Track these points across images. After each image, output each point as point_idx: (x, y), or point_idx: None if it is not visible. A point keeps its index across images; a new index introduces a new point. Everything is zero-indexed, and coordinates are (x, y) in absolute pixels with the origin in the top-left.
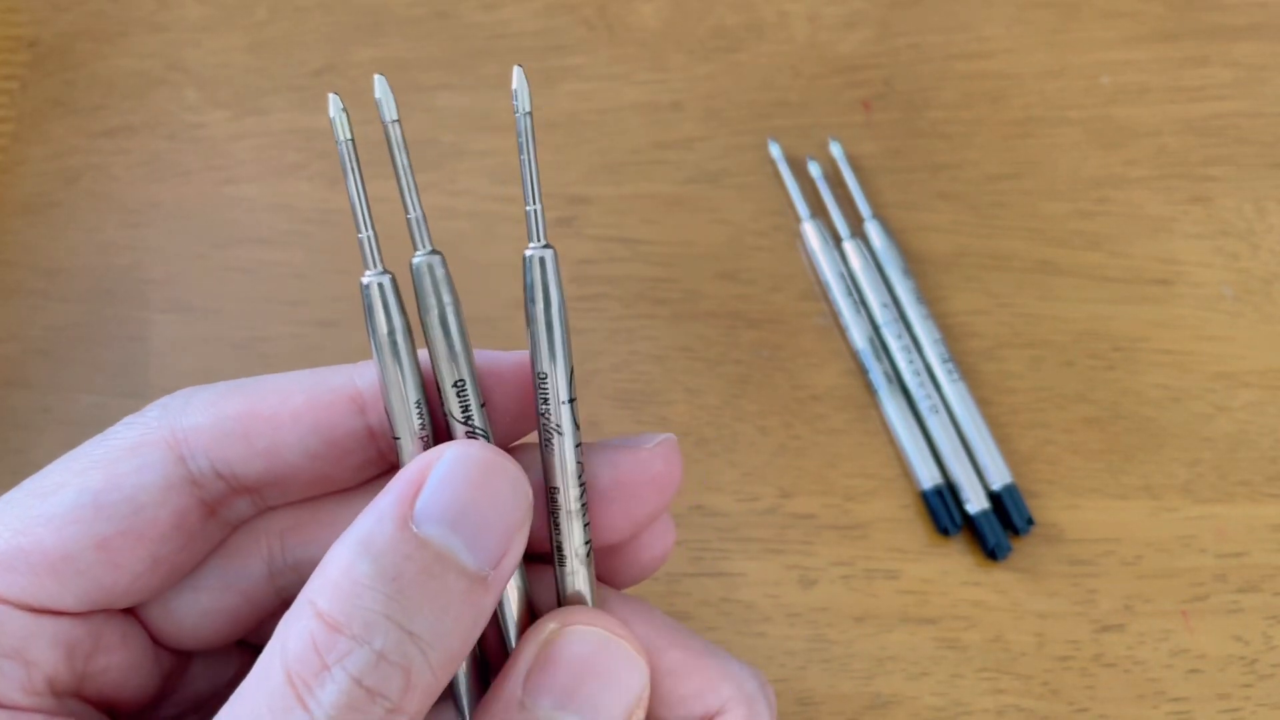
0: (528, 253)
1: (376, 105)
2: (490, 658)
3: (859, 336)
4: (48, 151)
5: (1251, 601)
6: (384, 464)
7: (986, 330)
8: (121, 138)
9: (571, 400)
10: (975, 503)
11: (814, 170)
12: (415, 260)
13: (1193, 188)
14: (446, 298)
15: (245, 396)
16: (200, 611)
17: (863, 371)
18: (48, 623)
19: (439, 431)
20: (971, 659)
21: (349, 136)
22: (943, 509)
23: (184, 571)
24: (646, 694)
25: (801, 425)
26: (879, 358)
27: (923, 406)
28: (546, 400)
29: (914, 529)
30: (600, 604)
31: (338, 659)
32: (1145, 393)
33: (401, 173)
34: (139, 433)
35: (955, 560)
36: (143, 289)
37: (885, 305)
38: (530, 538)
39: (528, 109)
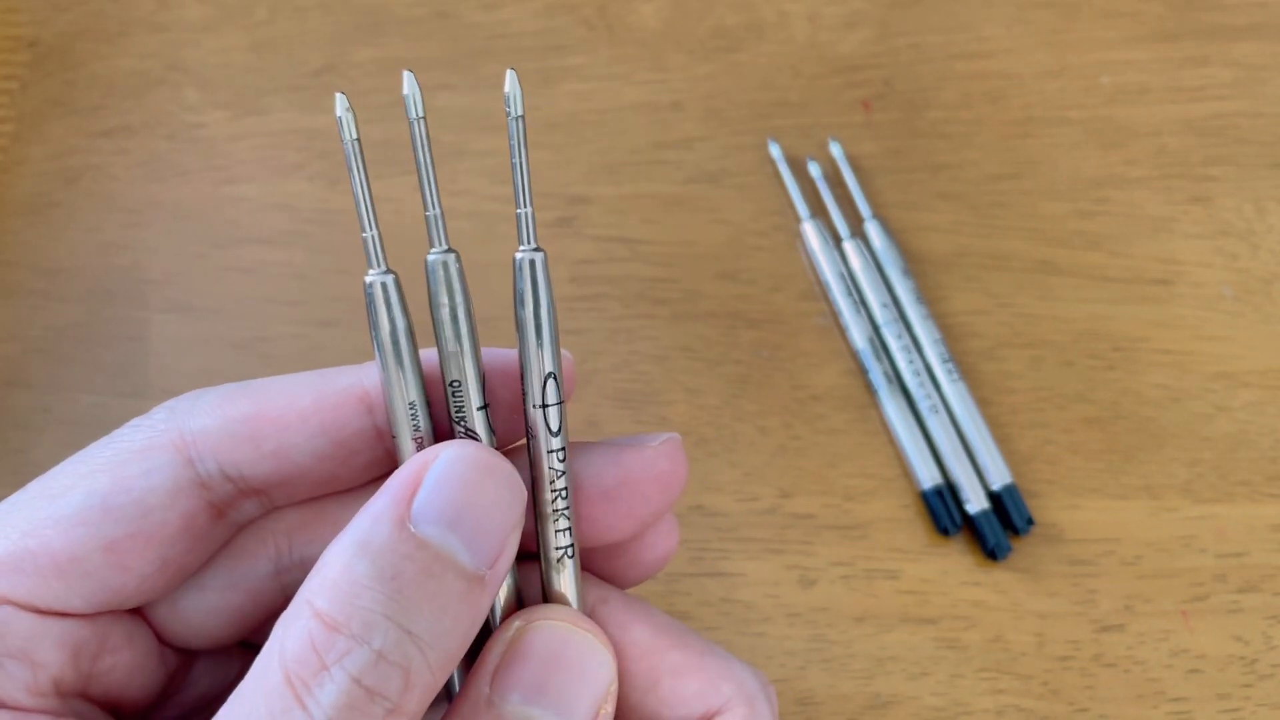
0: (518, 255)
1: (404, 101)
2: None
3: (859, 336)
4: (48, 151)
5: (1251, 601)
6: (391, 464)
7: (986, 330)
8: (121, 138)
9: (546, 406)
10: (975, 503)
11: (814, 170)
12: (430, 257)
13: (1193, 188)
14: (459, 296)
15: (252, 398)
16: (207, 610)
17: (863, 371)
18: (54, 624)
19: (441, 431)
20: (971, 659)
21: (355, 136)
22: (943, 509)
23: (191, 572)
24: (615, 686)
25: (801, 425)
26: (879, 358)
27: (923, 406)
28: (526, 402)
29: (914, 529)
30: (601, 603)
31: (337, 659)
32: (1145, 393)
33: (424, 169)
34: (146, 435)
35: (955, 560)
36: (143, 289)
37: (885, 305)
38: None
39: (520, 113)
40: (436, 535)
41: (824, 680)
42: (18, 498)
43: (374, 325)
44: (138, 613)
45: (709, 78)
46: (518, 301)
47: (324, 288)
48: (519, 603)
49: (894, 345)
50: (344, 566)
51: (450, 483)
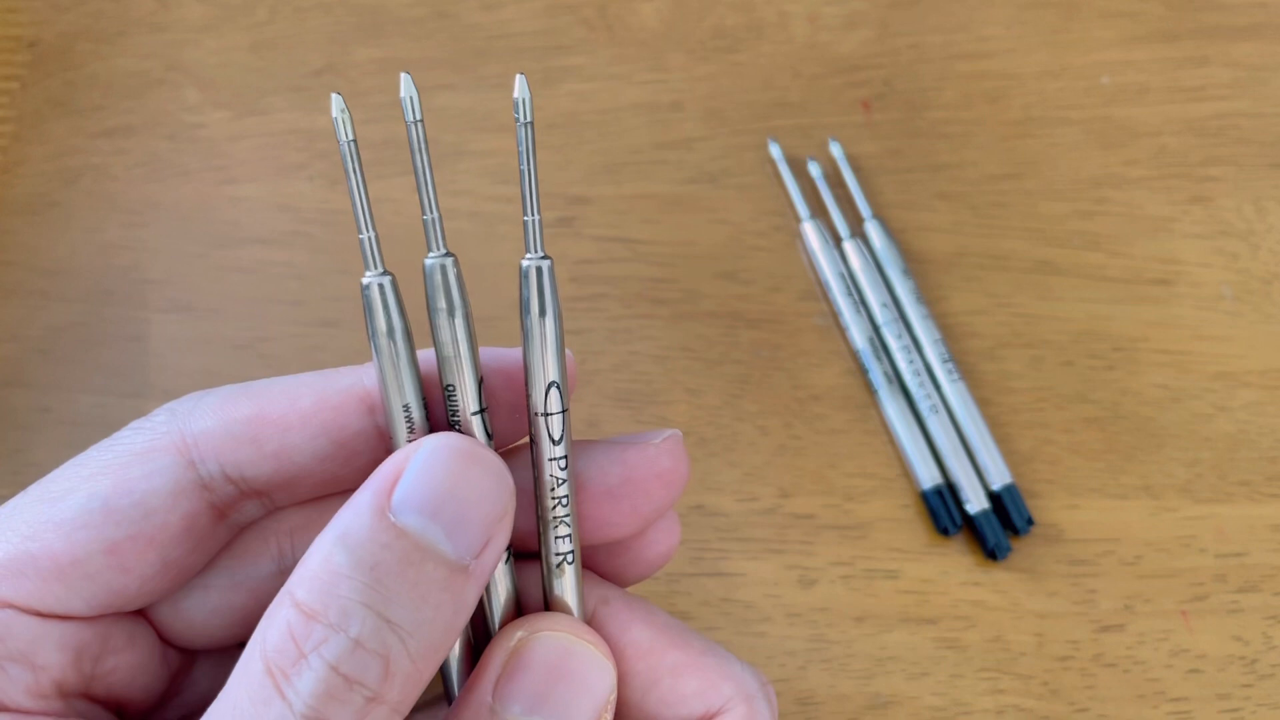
0: (524, 263)
1: (402, 104)
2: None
3: (859, 336)
4: (48, 151)
5: (1251, 601)
6: None
7: (986, 330)
8: (121, 138)
9: (549, 414)
10: (975, 503)
11: (814, 170)
12: (428, 261)
13: (1193, 188)
14: (456, 300)
15: (253, 400)
16: (210, 610)
17: (863, 371)
18: (56, 627)
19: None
20: (971, 659)
21: (351, 137)
22: (943, 509)
23: (192, 573)
24: (614, 696)
25: (801, 425)
26: (879, 358)
27: (923, 406)
28: (529, 410)
29: (914, 529)
30: (602, 603)
31: (314, 647)
32: (1145, 393)
33: (422, 173)
34: (147, 437)
35: (955, 560)
36: (143, 289)
37: (885, 305)
38: (521, 539)
39: (529, 119)
40: (416, 524)
41: (824, 680)
42: (18, 501)
43: (371, 326)
44: (140, 613)
45: (709, 78)
46: (523, 309)
47: (324, 288)
48: (519, 606)
49: (894, 345)
50: (324, 557)
51: (431, 472)
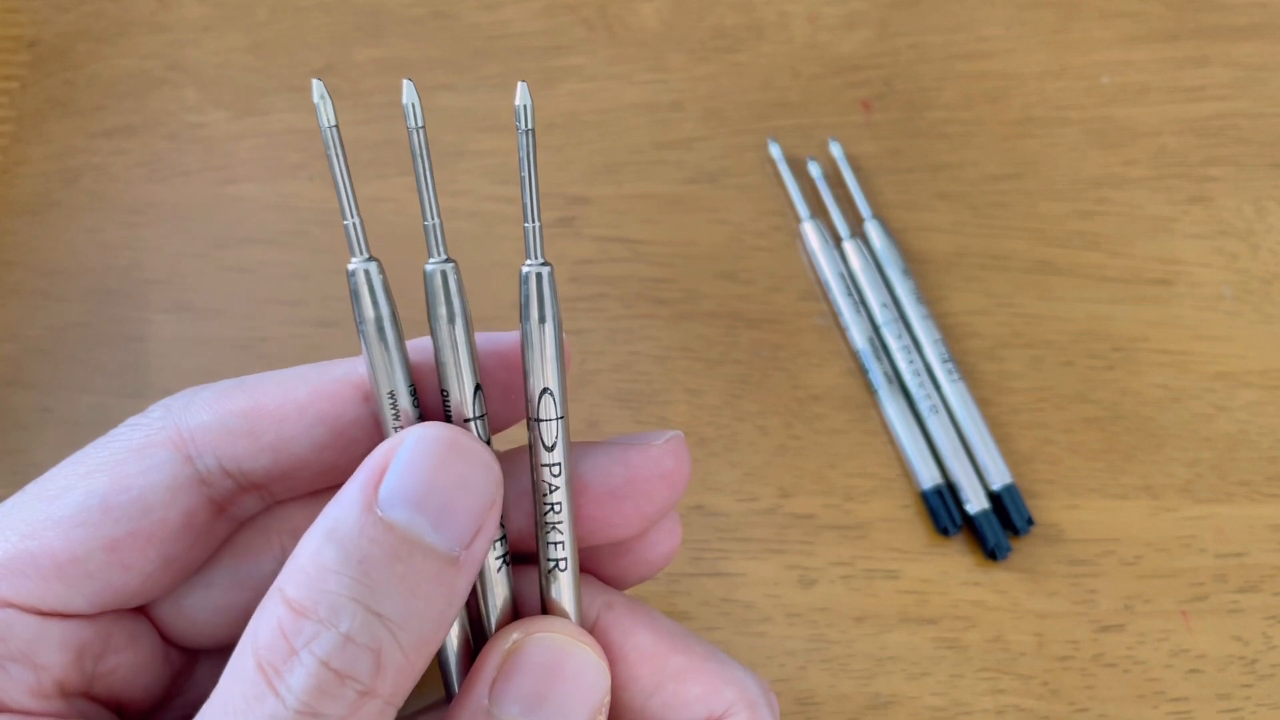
0: (524, 269)
1: (404, 110)
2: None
3: (859, 336)
4: (48, 151)
5: (1251, 601)
6: None
7: (986, 330)
8: (121, 138)
9: (541, 420)
10: (975, 503)
11: (814, 170)
12: (428, 267)
13: (1193, 188)
14: (456, 306)
15: (248, 393)
16: (212, 609)
17: (863, 371)
18: (56, 626)
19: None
20: (971, 659)
21: (333, 123)
22: (943, 509)
23: (193, 569)
24: (609, 698)
25: (801, 425)
26: (879, 358)
27: (923, 406)
28: (526, 415)
29: (914, 529)
30: (606, 609)
31: (305, 643)
32: (1145, 393)
33: (422, 179)
34: (144, 434)
35: (955, 560)
36: (143, 289)
37: (885, 305)
38: (520, 540)
39: (530, 126)
40: (403, 517)
41: (824, 680)
42: (16, 499)
43: (358, 313)
44: (141, 612)
45: (709, 78)
46: (523, 314)
47: (324, 288)
48: (516, 610)
49: (894, 345)
50: (313, 553)
51: (417, 464)
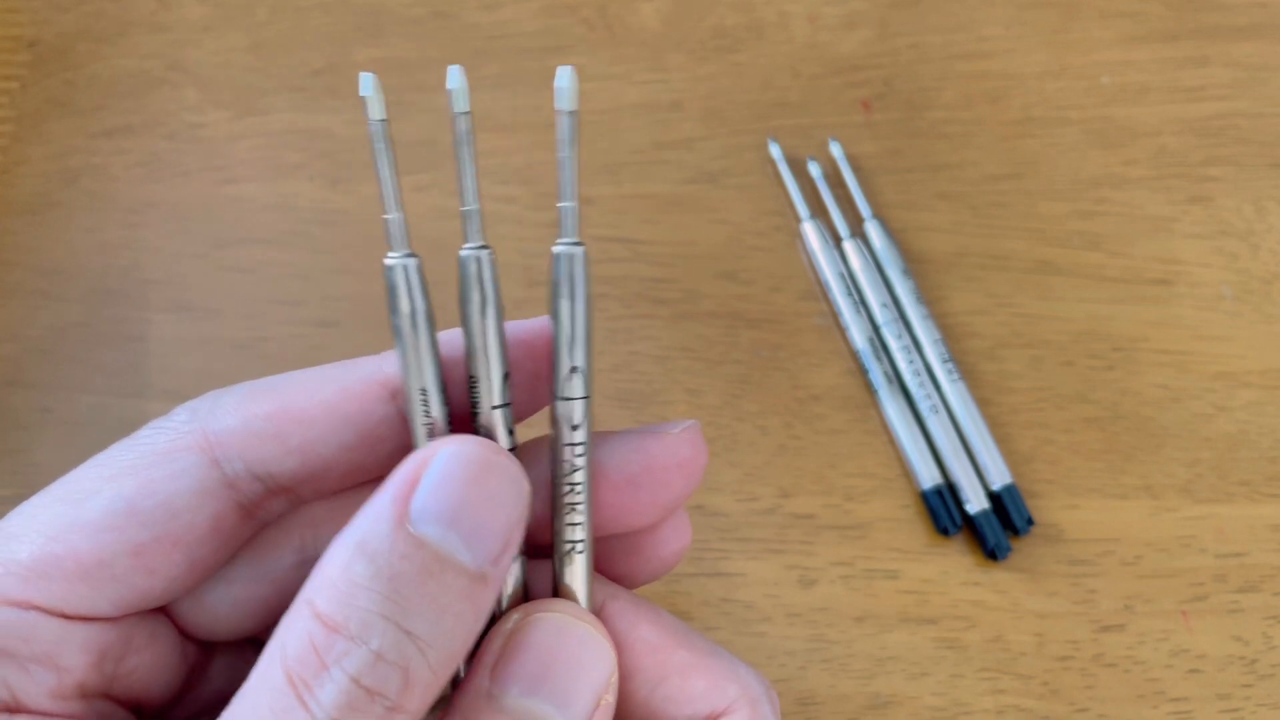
0: (556, 249)
1: (449, 95)
2: None
3: (859, 336)
4: (48, 151)
5: (1251, 601)
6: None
7: (986, 330)
8: (121, 138)
9: (570, 399)
10: (975, 503)
11: (814, 170)
12: (463, 253)
13: (1193, 188)
14: (489, 293)
15: (274, 396)
16: (232, 602)
17: (863, 371)
18: (80, 628)
19: (461, 420)
20: (971, 659)
21: (382, 116)
22: (943, 509)
23: (217, 568)
24: (615, 676)
25: (801, 425)
26: (879, 358)
27: (923, 406)
28: (553, 395)
29: (914, 529)
30: (611, 599)
31: (336, 659)
32: (1145, 393)
33: (465, 165)
34: (169, 437)
35: (955, 560)
36: (143, 289)
37: (885, 305)
38: (534, 529)
39: (572, 108)
40: (435, 534)
41: (824, 680)
42: (39, 500)
43: (393, 309)
44: (162, 611)
45: (709, 78)
46: (553, 293)
47: (324, 288)
48: (526, 597)
49: (894, 345)
50: (343, 566)
51: (449, 480)
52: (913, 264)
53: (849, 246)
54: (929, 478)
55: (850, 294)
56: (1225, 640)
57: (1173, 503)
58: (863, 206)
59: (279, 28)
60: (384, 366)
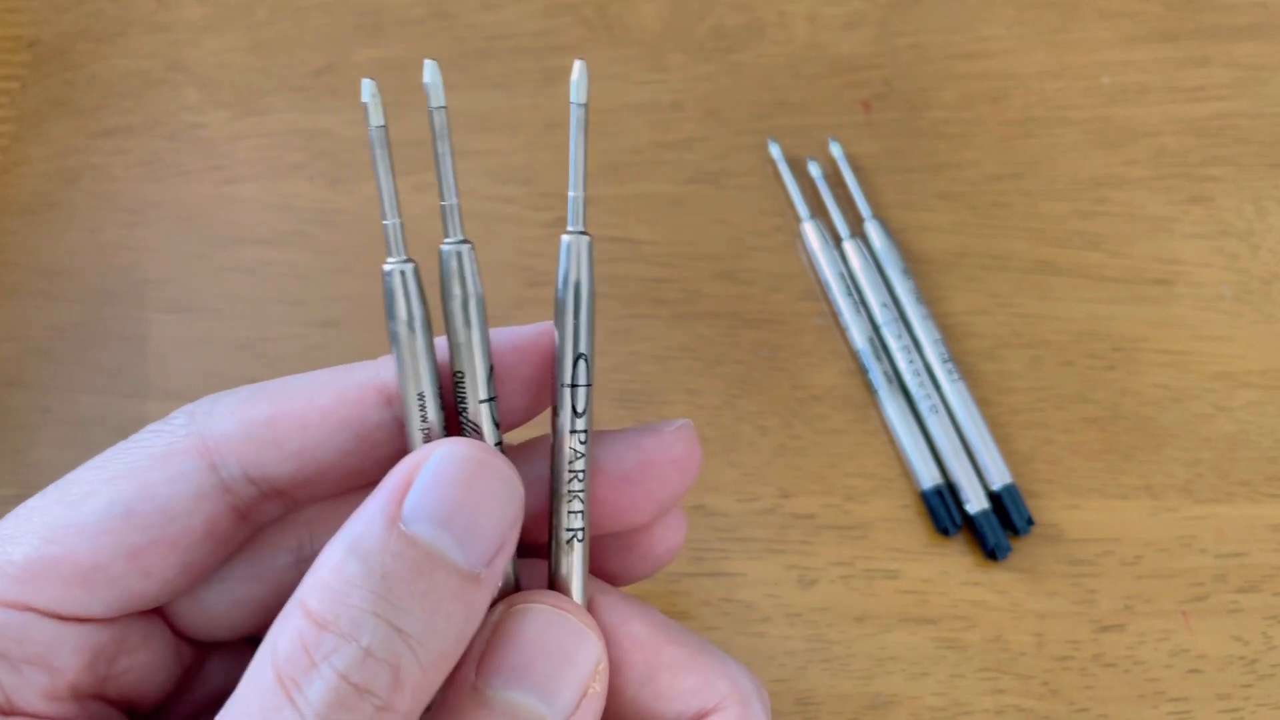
0: (565, 238)
1: (425, 90)
2: None
3: (859, 336)
4: (48, 151)
5: (1251, 601)
6: None
7: (986, 330)
8: (121, 138)
9: (575, 385)
10: (975, 503)
11: (814, 170)
12: (444, 247)
13: (1193, 188)
14: (471, 287)
15: (271, 400)
16: (228, 603)
17: (863, 371)
18: (74, 630)
19: (453, 423)
20: (971, 659)
21: (381, 123)
22: (943, 509)
23: (212, 571)
24: (603, 664)
25: (801, 425)
26: (879, 358)
27: (923, 406)
28: (556, 382)
29: (914, 529)
30: (600, 593)
31: (325, 656)
32: (1145, 393)
33: (443, 160)
34: (167, 440)
35: (955, 560)
36: (143, 289)
37: (885, 305)
38: (528, 528)
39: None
40: (427, 534)
41: (824, 680)
42: (36, 502)
43: (390, 313)
44: (156, 612)
45: (709, 78)
46: (560, 281)
47: (324, 288)
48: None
49: (894, 345)
50: (335, 566)
51: (442, 481)
52: (913, 264)
53: (849, 246)
54: (929, 478)
55: (850, 294)
56: (1225, 640)
57: (1173, 503)
58: (863, 206)
59: (279, 28)
60: (380, 372)
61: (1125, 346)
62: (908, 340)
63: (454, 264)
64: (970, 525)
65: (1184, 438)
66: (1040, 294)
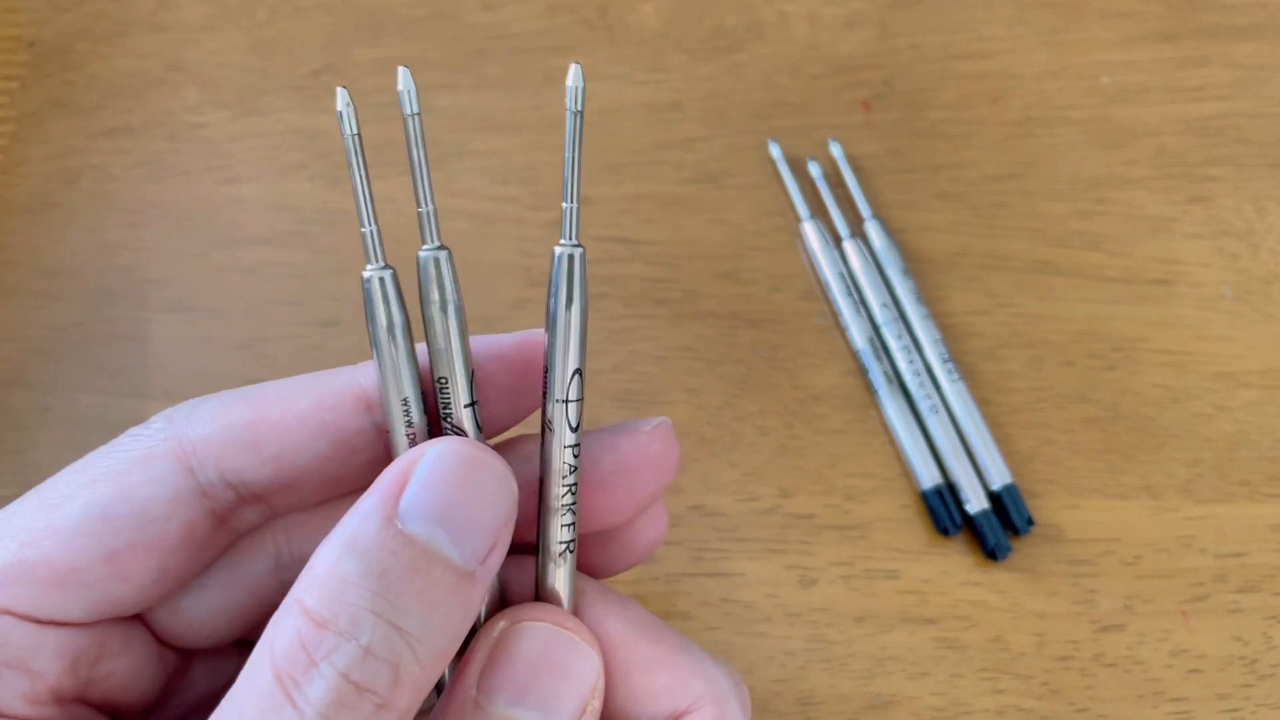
0: (557, 250)
1: (399, 96)
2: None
3: (859, 336)
4: (48, 151)
5: (1251, 601)
6: (390, 461)
7: (986, 330)
8: (121, 138)
9: (568, 401)
10: (975, 503)
11: (814, 170)
12: (422, 254)
13: (1193, 188)
14: (449, 293)
15: (250, 404)
16: (207, 610)
17: (863, 371)
18: (52, 633)
19: (436, 428)
20: (971, 659)
21: (355, 131)
22: (943, 509)
23: (190, 578)
24: (601, 684)
25: (801, 425)
26: (879, 358)
27: (923, 406)
28: (548, 396)
29: (914, 529)
30: (577, 593)
31: (325, 655)
32: (1145, 393)
33: (418, 166)
34: (146, 444)
35: (955, 560)
36: (143, 289)
37: (885, 305)
38: (516, 529)
39: (579, 108)
40: (424, 531)
41: (824, 680)
42: (15, 507)
43: (371, 320)
44: (136, 617)
45: (709, 78)
46: (551, 294)
47: (324, 288)
48: (504, 599)
49: (894, 345)
50: (332, 564)
51: (437, 479)
52: (913, 264)
53: (849, 246)
54: (929, 478)
55: (850, 294)
56: (1225, 640)
57: (1173, 503)
58: (863, 206)
59: (279, 28)
60: (359, 378)
61: (1125, 346)
62: (908, 340)
63: (432, 270)
64: (970, 525)
65: (1184, 438)
66: (1040, 294)
